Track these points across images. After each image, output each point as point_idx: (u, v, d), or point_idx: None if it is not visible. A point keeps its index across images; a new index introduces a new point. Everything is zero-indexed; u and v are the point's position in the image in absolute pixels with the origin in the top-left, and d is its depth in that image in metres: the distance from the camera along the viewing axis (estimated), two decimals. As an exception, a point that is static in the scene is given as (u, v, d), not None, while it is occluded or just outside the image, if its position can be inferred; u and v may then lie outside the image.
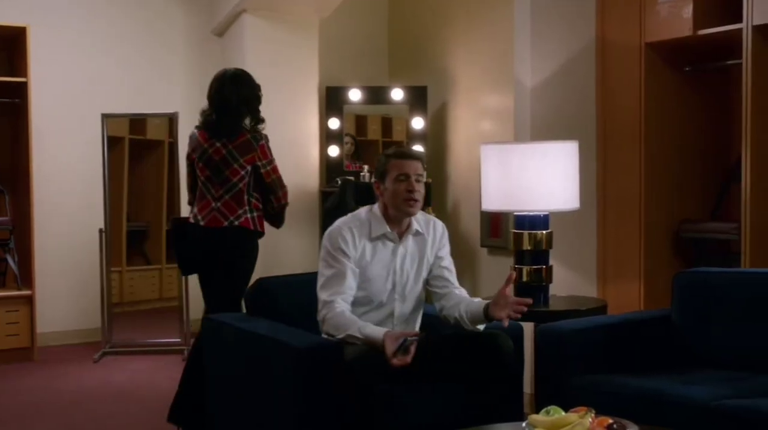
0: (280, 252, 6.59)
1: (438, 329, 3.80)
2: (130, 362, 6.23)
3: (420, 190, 3.61)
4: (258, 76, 6.70)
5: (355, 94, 6.86)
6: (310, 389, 3.33)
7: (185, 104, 7.04)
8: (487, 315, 3.52)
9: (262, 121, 4.59)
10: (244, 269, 4.55)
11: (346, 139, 6.91)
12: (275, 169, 4.60)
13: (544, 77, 4.83)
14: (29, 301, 6.24)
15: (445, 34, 6.87)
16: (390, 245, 3.67)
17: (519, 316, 3.48)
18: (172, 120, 6.61)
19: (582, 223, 4.81)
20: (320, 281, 3.61)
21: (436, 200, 6.64)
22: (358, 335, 3.41)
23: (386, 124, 7.17)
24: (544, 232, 4.34)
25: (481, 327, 3.60)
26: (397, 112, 6.97)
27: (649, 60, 4.77)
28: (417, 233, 3.71)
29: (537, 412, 2.78)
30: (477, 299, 3.65)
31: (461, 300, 3.67)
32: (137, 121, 7.01)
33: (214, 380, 4.01)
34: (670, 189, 4.87)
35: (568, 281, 4.79)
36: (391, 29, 7.60)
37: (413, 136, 6.78)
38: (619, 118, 4.87)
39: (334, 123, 6.88)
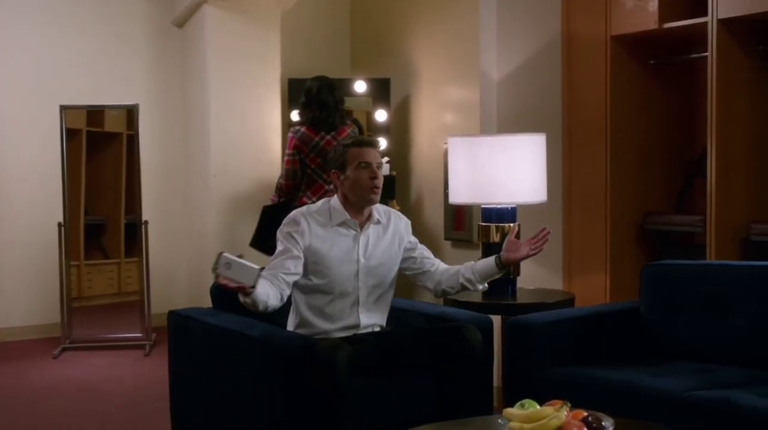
0: (241, 246, 6.54)
1: (407, 322, 3.80)
2: (90, 357, 6.15)
3: (381, 178, 3.63)
4: (219, 68, 6.75)
5: (317, 87, 6.82)
6: (279, 384, 3.31)
7: (145, 96, 6.99)
8: (500, 266, 3.63)
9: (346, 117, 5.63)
10: None
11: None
12: None
13: (510, 70, 4.82)
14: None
15: (409, 26, 6.87)
16: (351, 233, 3.65)
17: (540, 249, 3.64)
18: (131, 112, 6.53)
19: (548, 215, 4.81)
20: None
21: (399, 193, 6.64)
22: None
23: (348, 116, 7.13)
24: (511, 224, 4.35)
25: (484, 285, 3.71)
26: (360, 104, 6.95)
27: (614, 53, 4.80)
28: (378, 223, 3.71)
29: (507, 405, 2.77)
30: (473, 262, 3.69)
31: (456, 269, 3.72)
32: (94, 113, 6.91)
33: (180, 376, 3.97)
34: (635, 182, 4.91)
35: (535, 274, 4.79)
36: (353, 21, 7.58)
37: (376, 129, 6.76)
38: (584, 111, 4.89)
39: (296, 115, 6.83)
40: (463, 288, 3.71)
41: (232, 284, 3.21)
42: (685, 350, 3.74)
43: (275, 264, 3.57)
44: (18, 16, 6.70)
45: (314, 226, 3.63)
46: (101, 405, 4.98)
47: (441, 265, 3.79)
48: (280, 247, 3.61)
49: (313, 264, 3.61)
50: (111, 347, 6.38)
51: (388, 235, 3.73)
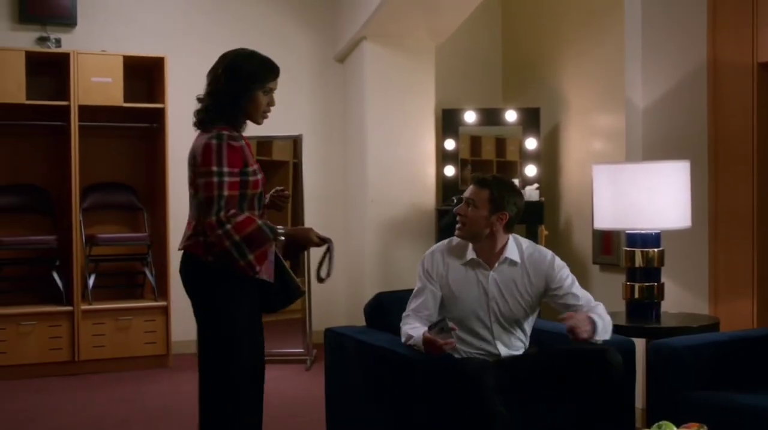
0: (397, 268, 6.65)
1: (548, 344, 3.76)
2: (256, 370, 6.32)
3: (467, 215, 3.59)
4: (377, 100, 6.89)
5: (470, 116, 6.86)
6: (427, 400, 3.34)
7: (309, 126, 7.20)
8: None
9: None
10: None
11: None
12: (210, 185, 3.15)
13: (655, 98, 4.73)
14: (165, 311, 6.44)
15: (557, 57, 6.83)
16: (482, 271, 3.65)
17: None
18: (296, 142, 6.74)
19: (693, 241, 4.68)
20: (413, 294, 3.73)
21: (548, 218, 6.58)
22: (413, 344, 3.45)
23: (500, 144, 7.14)
24: (655, 250, 4.26)
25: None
26: (511, 133, 6.94)
27: (762, 80, 4.61)
28: (511, 262, 3.65)
29: (648, 427, 2.71)
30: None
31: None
32: (263, 143, 7.15)
33: (335, 390, 4.05)
34: (783, 207, 4.71)
35: (680, 299, 4.67)
36: (504, 53, 7.59)
37: (526, 157, 6.74)
38: (731, 137, 4.72)
39: (449, 144, 6.89)
40: None
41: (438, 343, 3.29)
42: (833, 377, 3.57)
43: (420, 305, 3.64)
44: (195, 56, 6.99)
45: (448, 262, 3.67)
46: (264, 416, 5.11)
47: (589, 303, 3.61)
48: (419, 284, 3.70)
49: (446, 298, 3.67)
50: (275, 361, 6.52)
51: (526, 277, 3.65)
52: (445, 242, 3.77)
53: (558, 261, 3.71)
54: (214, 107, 3.26)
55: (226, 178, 3.11)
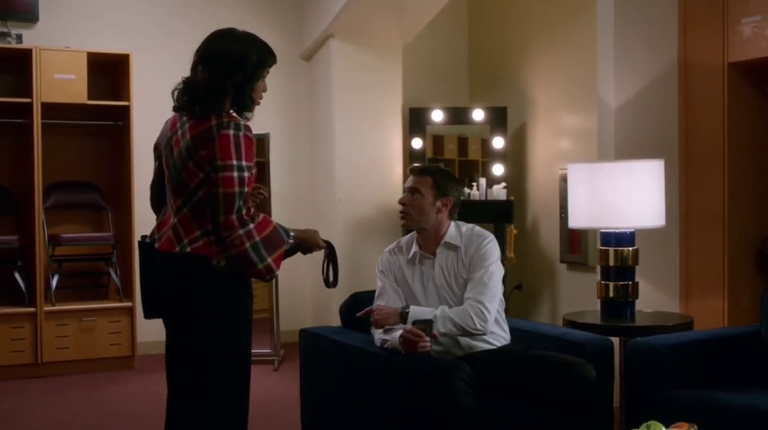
0: (364, 267, 6.57)
1: (527, 343, 3.71)
2: (223, 371, 6.22)
3: (412, 204, 3.57)
4: (344, 99, 6.82)
5: (437, 115, 6.81)
6: (402, 399, 3.29)
7: (275, 125, 7.11)
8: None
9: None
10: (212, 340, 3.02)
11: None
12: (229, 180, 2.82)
13: (627, 97, 4.72)
14: (130, 312, 6.31)
15: (525, 57, 6.81)
16: (426, 261, 3.63)
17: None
18: (263, 141, 6.64)
19: (665, 239, 4.68)
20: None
21: (516, 217, 6.55)
22: (389, 347, 3.43)
23: (462, 143, 7.11)
24: (630, 248, 4.24)
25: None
26: (478, 132, 6.92)
27: (731, 80, 4.62)
28: (449, 246, 3.62)
29: (627, 426, 2.67)
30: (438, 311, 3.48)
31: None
32: (230, 142, 7.05)
33: (311, 390, 3.98)
34: (753, 206, 4.71)
35: (652, 297, 4.66)
36: (471, 52, 7.57)
37: (494, 156, 6.70)
38: (702, 137, 4.73)
39: (417, 143, 6.84)
40: None
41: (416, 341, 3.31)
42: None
43: (387, 302, 3.60)
44: (160, 53, 6.88)
45: (398, 260, 3.68)
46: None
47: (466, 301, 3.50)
48: (379, 283, 3.69)
49: (404, 295, 3.64)
50: (243, 362, 6.44)
51: (459, 259, 3.60)
52: (393, 243, 3.77)
53: (489, 247, 3.57)
54: (215, 93, 2.90)
55: (246, 174, 2.81)
